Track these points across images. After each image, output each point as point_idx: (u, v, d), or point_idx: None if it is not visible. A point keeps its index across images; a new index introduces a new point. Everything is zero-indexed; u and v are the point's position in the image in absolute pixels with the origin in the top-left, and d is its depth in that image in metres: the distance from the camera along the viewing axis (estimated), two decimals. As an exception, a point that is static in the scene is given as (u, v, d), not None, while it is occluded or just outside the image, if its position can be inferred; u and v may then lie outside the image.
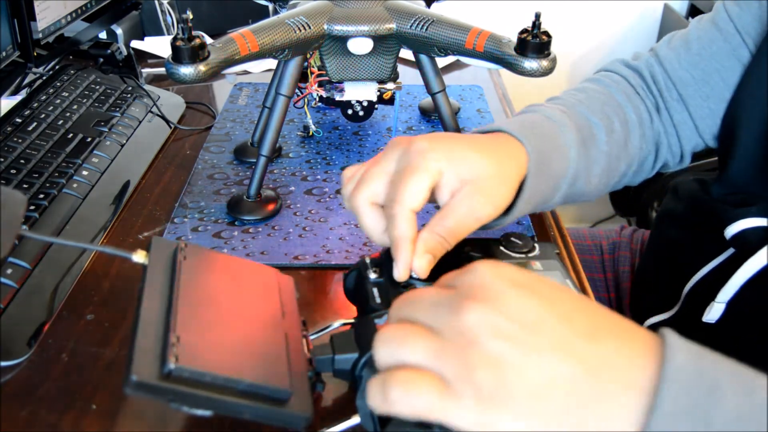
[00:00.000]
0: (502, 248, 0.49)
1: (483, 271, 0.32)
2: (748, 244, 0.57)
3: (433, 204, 0.48)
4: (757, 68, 0.58)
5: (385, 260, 0.47)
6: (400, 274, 0.42)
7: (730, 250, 0.60)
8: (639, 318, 0.72)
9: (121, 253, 0.38)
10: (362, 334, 0.40)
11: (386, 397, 0.30)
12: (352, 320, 0.46)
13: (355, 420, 0.38)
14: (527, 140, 0.50)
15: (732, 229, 0.57)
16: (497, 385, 0.29)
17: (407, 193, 0.42)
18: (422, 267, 0.42)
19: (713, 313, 0.58)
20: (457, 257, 0.48)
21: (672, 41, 0.65)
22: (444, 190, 0.44)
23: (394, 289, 0.44)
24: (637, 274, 0.79)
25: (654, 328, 0.68)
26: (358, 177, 0.46)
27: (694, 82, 0.62)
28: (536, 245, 0.50)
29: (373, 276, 0.45)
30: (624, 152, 0.60)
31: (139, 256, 0.38)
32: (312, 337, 0.42)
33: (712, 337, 0.61)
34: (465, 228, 0.44)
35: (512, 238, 0.50)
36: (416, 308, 0.33)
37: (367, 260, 0.46)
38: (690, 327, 0.63)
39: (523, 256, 0.49)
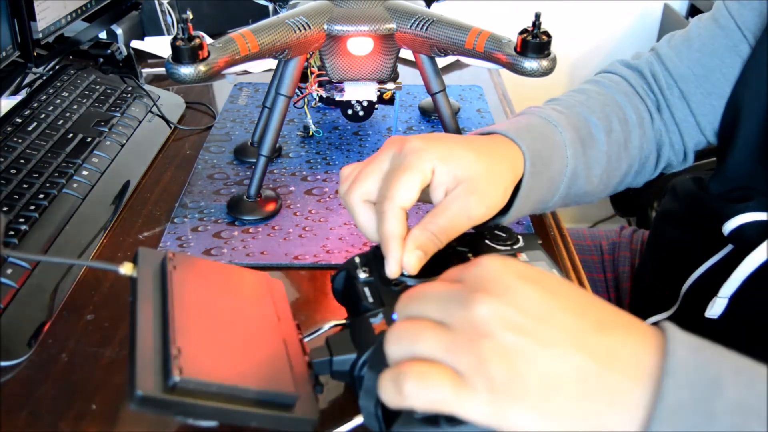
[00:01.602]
0: (487, 242, 0.49)
1: (491, 264, 0.32)
2: (747, 239, 0.56)
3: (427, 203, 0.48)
4: (757, 61, 0.58)
5: (373, 258, 0.46)
6: (390, 270, 0.43)
7: (729, 247, 0.60)
8: (639, 317, 0.72)
9: (108, 266, 0.37)
10: (358, 334, 0.40)
11: (400, 390, 0.30)
12: (344, 321, 0.46)
13: (358, 420, 0.38)
14: (522, 140, 0.50)
15: (730, 225, 0.57)
16: (510, 377, 0.29)
17: (397, 191, 0.43)
18: (412, 263, 0.42)
19: (716, 308, 0.58)
20: (443, 252, 0.48)
21: (672, 40, 0.65)
22: (438, 189, 0.45)
23: (385, 287, 0.44)
24: (637, 274, 0.79)
25: (655, 326, 0.68)
26: (354, 176, 0.46)
27: (695, 79, 0.62)
28: (520, 237, 0.50)
29: (363, 275, 0.45)
30: (624, 152, 0.60)
31: (126, 269, 0.37)
32: (305, 340, 0.42)
33: (716, 333, 0.61)
34: (457, 227, 0.44)
35: (496, 231, 0.50)
36: (425, 304, 0.33)
37: (356, 260, 0.46)
38: (692, 324, 0.63)
39: (508, 248, 0.49)
